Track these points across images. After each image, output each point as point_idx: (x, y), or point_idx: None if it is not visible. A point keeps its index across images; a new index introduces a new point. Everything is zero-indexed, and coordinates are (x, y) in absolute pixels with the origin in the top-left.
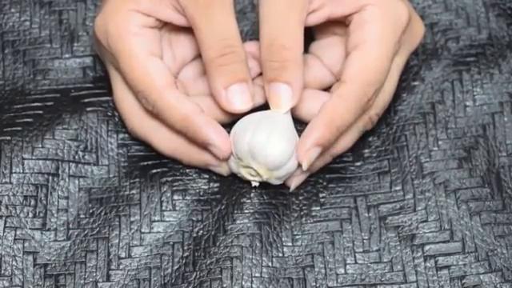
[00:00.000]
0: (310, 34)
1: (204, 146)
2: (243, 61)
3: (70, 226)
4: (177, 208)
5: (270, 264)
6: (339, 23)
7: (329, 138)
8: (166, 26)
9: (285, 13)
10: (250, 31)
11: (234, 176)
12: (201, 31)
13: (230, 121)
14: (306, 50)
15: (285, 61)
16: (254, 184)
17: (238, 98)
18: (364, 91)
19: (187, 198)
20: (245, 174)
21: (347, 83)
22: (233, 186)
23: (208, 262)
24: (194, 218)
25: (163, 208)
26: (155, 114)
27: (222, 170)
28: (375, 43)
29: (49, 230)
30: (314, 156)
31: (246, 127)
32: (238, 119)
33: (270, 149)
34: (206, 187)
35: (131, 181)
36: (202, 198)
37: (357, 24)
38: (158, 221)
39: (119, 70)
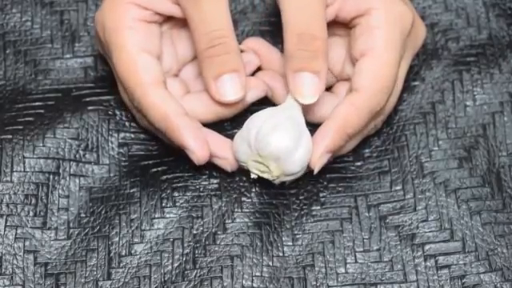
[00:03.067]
0: None
1: (182, 149)
2: (234, 51)
3: (71, 224)
4: (177, 204)
5: (270, 263)
6: (341, 24)
7: (340, 144)
8: (167, 22)
9: (309, 4)
10: (251, 31)
11: (234, 173)
12: (192, 22)
13: (230, 115)
14: None
15: (316, 50)
16: (253, 176)
17: (229, 89)
18: (377, 100)
19: (187, 194)
20: (252, 167)
21: (360, 92)
22: (233, 183)
23: (208, 260)
24: (193, 215)
25: (163, 205)
26: (139, 111)
27: (227, 164)
28: (384, 49)
29: (49, 228)
30: (325, 161)
31: (273, 128)
32: (239, 115)
33: (295, 159)
34: (205, 183)
35: (131, 180)
36: (201, 193)
37: (363, 29)
38: (158, 217)
39: (112, 63)
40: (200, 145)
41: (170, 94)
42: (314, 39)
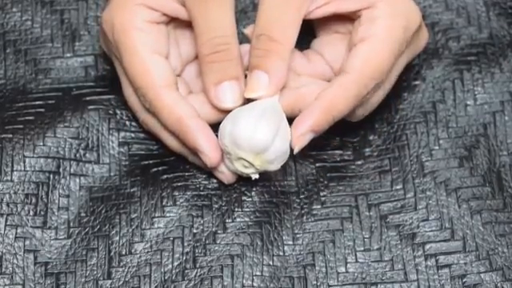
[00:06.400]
0: (313, 32)
1: (194, 151)
2: (235, 59)
3: (71, 224)
4: (177, 203)
5: (270, 262)
6: (342, 22)
7: (324, 125)
8: (172, 22)
9: (282, 8)
10: None
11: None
12: (197, 26)
13: None
14: (308, 46)
15: (268, 50)
16: (254, 177)
17: (228, 96)
18: (365, 84)
19: (188, 193)
20: (239, 167)
21: (349, 74)
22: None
23: (208, 259)
24: (193, 214)
25: (163, 203)
26: (152, 113)
27: (224, 177)
28: (382, 39)
29: (50, 228)
30: (306, 141)
31: (227, 119)
32: None
33: (248, 131)
34: (206, 182)
35: (132, 179)
36: (202, 193)
37: (366, 18)
38: (158, 216)
39: (122, 65)
40: (213, 147)
41: (182, 96)
42: (270, 40)
